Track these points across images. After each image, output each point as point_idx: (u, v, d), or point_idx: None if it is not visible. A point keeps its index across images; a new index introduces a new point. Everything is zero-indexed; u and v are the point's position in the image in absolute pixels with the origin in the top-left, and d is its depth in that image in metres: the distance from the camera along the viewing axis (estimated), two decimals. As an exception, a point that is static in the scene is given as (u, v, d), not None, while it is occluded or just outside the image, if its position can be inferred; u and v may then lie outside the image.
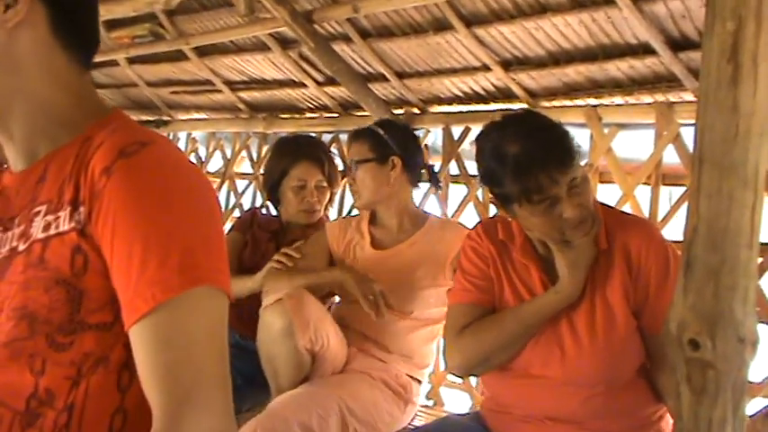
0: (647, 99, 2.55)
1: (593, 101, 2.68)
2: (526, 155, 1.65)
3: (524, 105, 2.88)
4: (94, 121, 1.04)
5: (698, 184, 1.31)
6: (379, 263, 2.51)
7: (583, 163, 1.77)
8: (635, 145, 2.57)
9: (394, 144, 2.52)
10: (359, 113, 3.46)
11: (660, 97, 2.51)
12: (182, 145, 4.40)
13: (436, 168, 3.14)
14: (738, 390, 1.31)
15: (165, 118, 4.41)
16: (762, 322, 2.25)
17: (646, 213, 2.53)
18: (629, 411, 1.74)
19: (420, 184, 2.63)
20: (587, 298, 1.75)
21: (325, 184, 2.83)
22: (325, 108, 3.66)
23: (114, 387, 0.97)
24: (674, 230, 2.16)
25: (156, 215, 0.93)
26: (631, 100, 2.59)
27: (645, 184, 2.54)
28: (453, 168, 3.16)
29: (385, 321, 2.42)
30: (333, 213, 3.15)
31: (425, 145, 3.25)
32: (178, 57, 3.87)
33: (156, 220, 0.93)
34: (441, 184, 2.96)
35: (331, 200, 2.92)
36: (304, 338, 2.29)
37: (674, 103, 2.48)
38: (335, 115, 3.61)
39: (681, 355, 1.33)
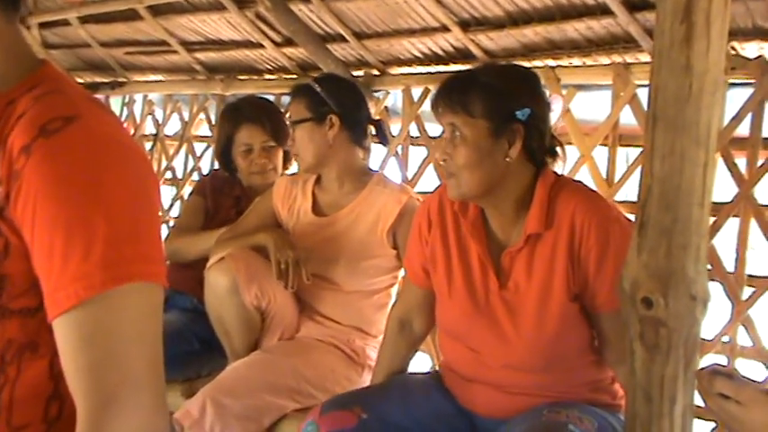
0: (604, 60, 2.55)
1: (551, 62, 2.68)
2: (450, 78, 1.77)
3: (484, 66, 2.87)
4: (21, 79, 0.96)
5: (651, 143, 1.32)
6: (317, 231, 2.42)
7: (498, 134, 1.68)
8: (592, 106, 2.58)
9: (332, 101, 2.37)
10: (318, 75, 3.41)
11: (617, 58, 2.52)
12: (138, 107, 4.31)
13: (395, 130, 3.15)
14: (690, 347, 1.34)
15: (121, 80, 4.30)
16: (714, 280, 2.29)
17: (603, 174, 2.56)
18: (579, 382, 1.76)
19: (370, 144, 2.51)
20: (527, 284, 1.73)
21: (272, 144, 2.74)
22: (283, 69, 3.60)
23: (46, 374, 0.93)
24: (631, 191, 2.18)
25: (79, 202, 0.86)
26: (589, 61, 2.59)
27: (602, 145, 2.56)
28: (414, 130, 3.14)
29: (328, 294, 2.40)
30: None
31: (385, 107, 3.24)
32: (132, 16, 3.76)
33: (80, 207, 0.86)
34: (389, 142, 2.82)
35: (288, 158, 2.84)
36: (250, 295, 2.28)
37: (630, 64, 2.49)
38: (294, 77, 3.54)
39: (634, 314, 1.36)
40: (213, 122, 3.89)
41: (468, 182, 1.70)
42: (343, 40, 3.13)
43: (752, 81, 2.24)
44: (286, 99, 3.50)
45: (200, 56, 3.82)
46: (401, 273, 2.40)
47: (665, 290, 1.31)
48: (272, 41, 3.40)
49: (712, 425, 2.29)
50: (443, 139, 1.73)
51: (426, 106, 3.07)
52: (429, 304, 1.93)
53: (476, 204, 1.79)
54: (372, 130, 2.51)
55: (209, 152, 3.87)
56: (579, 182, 1.88)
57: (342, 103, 2.39)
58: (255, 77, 3.74)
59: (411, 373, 2.06)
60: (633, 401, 1.39)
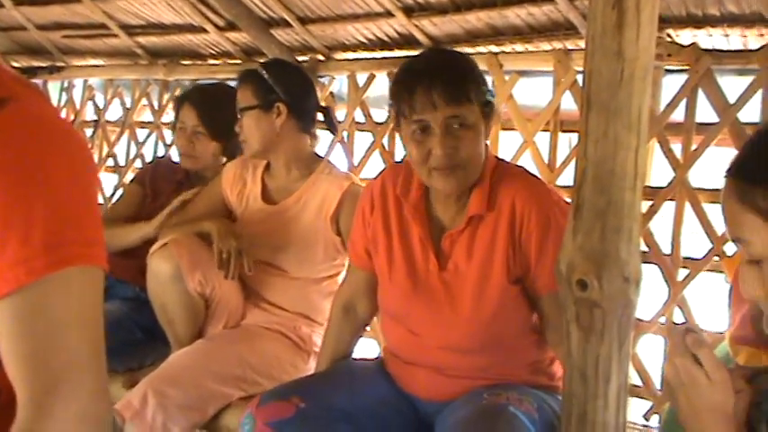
0: (545, 46, 2.59)
1: (494, 48, 2.70)
2: (417, 68, 1.70)
3: (428, 52, 2.87)
4: None
5: (586, 128, 1.34)
6: (266, 218, 2.43)
7: (485, 115, 1.72)
8: (535, 92, 2.61)
9: (279, 89, 2.36)
10: (263, 60, 3.36)
11: (558, 45, 2.55)
12: (77, 93, 4.21)
13: (340, 116, 3.13)
14: (624, 327, 1.36)
15: (59, 64, 4.19)
16: (650, 263, 2.35)
17: (545, 159, 2.59)
18: (518, 364, 1.79)
19: (318, 131, 2.52)
20: (467, 266, 1.74)
21: (200, 131, 2.69)
22: (228, 54, 3.55)
23: None
24: (572, 176, 2.20)
25: (17, 186, 0.84)
26: (531, 47, 2.62)
27: (544, 130, 2.59)
28: (359, 116, 3.13)
29: (275, 281, 2.40)
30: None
31: (331, 93, 3.22)
32: (69, -2, 3.67)
33: (17, 190, 0.84)
34: (336, 129, 2.80)
35: (228, 153, 2.77)
36: (193, 281, 2.26)
37: (571, 50, 2.52)
38: (239, 62, 3.51)
39: (570, 296, 1.38)
40: (156, 108, 3.82)
41: (474, 170, 1.72)
42: (288, 24, 3.10)
43: (686, 68, 2.29)
44: (231, 84, 3.51)
45: (142, 40, 3.74)
46: (346, 261, 2.37)
47: (599, 272, 1.33)
48: (215, 25, 3.35)
49: (648, 404, 2.35)
50: (437, 135, 1.65)
51: (371, 92, 3.08)
52: (372, 288, 1.94)
53: (418, 187, 1.79)
54: (320, 117, 2.51)
55: (153, 138, 3.81)
56: (520, 167, 1.91)
57: (290, 90, 2.38)
58: (199, 62, 3.69)
59: (354, 359, 2.06)
60: (570, 382, 1.42)
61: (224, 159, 2.79)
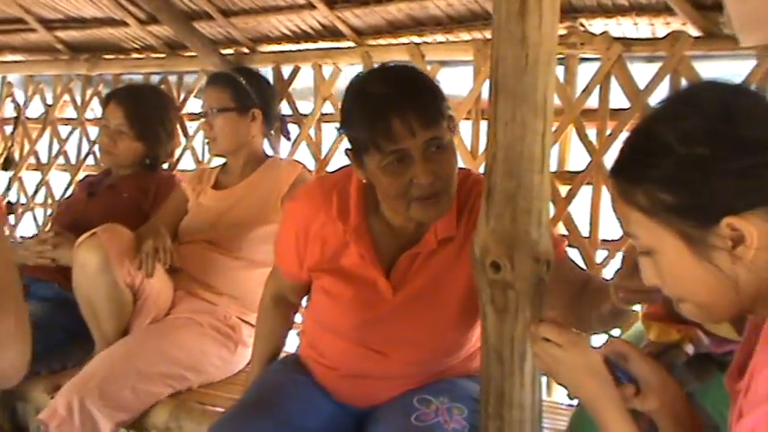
0: (465, 36, 2.62)
1: (416, 39, 2.72)
2: (383, 94, 1.52)
3: (351, 44, 2.89)
4: None
5: (495, 112, 1.37)
6: (214, 203, 2.55)
7: (451, 130, 1.60)
8: (456, 81, 2.64)
9: (255, 95, 2.54)
10: (187, 54, 3.33)
11: (477, 34, 2.59)
12: (-4, 90, 4.08)
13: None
14: (536, 307, 1.40)
15: (-25, 60, 4.06)
16: (570, 246, 2.41)
17: (468, 147, 2.63)
18: (458, 360, 1.77)
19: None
20: (427, 287, 1.67)
21: (124, 130, 2.73)
22: (151, 48, 3.49)
23: None
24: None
25: None
26: (451, 38, 2.66)
27: (466, 119, 2.63)
28: (285, 108, 3.12)
29: (216, 259, 2.46)
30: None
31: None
32: (-18, -8, 3.55)
33: None
34: (290, 135, 2.97)
35: (152, 155, 2.81)
36: (122, 271, 2.23)
37: (489, 39, 2.54)
38: (162, 56, 3.46)
39: (484, 278, 1.41)
40: (79, 104, 3.74)
41: (454, 191, 1.59)
42: (210, 17, 3.07)
43: (599, 56, 2.36)
44: (155, 78, 3.46)
45: (62, 34, 3.65)
46: None
47: (510, 253, 1.37)
48: (137, 19, 3.29)
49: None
50: (418, 163, 1.52)
51: (297, 84, 3.08)
52: (304, 288, 1.88)
53: (358, 210, 1.68)
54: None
55: (76, 135, 3.72)
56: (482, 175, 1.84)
57: (264, 97, 2.60)
58: (122, 57, 3.61)
59: (276, 374, 1.89)
60: (487, 363, 1.45)
61: (148, 161, 2.79)
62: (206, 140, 2.64)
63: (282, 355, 2.05)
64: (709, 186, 0.95)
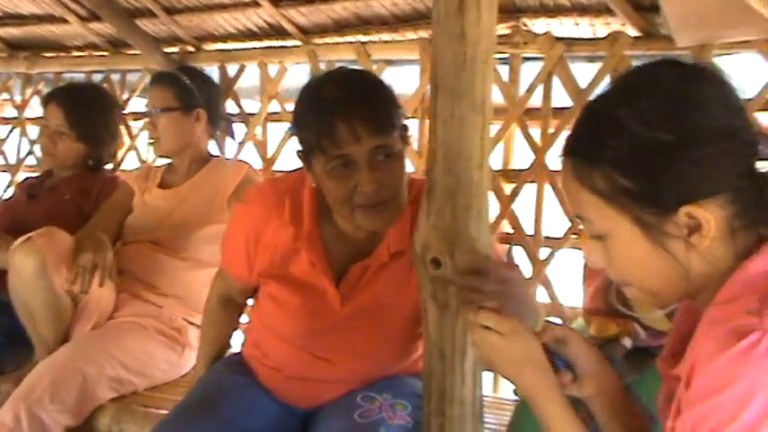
0: (410, 35, 2.63)
1: (362, 38, 2.72)
2: (333, 98, 1.48)
3: (297, 42, 2.87)
4: None
5: (435, 110, 1.37)
6: (159, 202, 2.51)
7: (404, 140, 1.57)
8: (402, 80, 2.64)
9: (199, 94, 2.49)
10: (130, 52, 3.28)
11: (423, 33, 2.60)
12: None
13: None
14: (477, 302, 1.41)
15: None
16: (515, 244, 2.44)
17: (415, 146, 2.63)
18: (404, 362, 1.76)
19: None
20: (377, 298, 1.64)
21: (64, 131, 2.67)
22: (93, 46, 3.43)
23: None
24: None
25: None
26: (397, 36, 2.66)
27: (412, 117, 2.63)
28: (231, 107, 3.09)
29: (161, 260, 2.42)
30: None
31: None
32: None
33: None
34: (235, 136, 2.96)
35: (95, 156, 2.76)
36: (60, 277, 2.17)
37: (434, 38, 2.57)
38: (105, 54, 3.39)
39: (426, 275, 1.41)
40: (18, 103, 3.64)
41: (402, 202, 1.56)
42: (153, 15, 3.02)
43: (541, 55, 2.39)
44: (97, 77, 3.40)
45: (0, 31, 3.56)
46: None
47: (451, 250, 1.37)
48: (77, 16, 3.22)
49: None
50: (363, 170, 1.48)
51: (242, 83, 3.05)
52: (252, 290, 1.84)
53: (311, 217, 1.64)
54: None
55: (15, 135, 3.63)
56: None
57: (209, 97, 2.55)
58: (63, 54, 3.54)
59: (218, 375, 1.84)
60: (429, 360, 1.45)
61: (90, 162, 2.74)
62: (149, 141, 2.59)
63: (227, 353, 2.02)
64: (669, 173, 0.92)
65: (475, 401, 1.45)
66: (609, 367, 1.17)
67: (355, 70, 1.67)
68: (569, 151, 1.01)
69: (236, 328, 2.03)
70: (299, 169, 1.70)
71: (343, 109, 1.47)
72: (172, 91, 2.47)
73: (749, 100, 2.09)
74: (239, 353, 1.90)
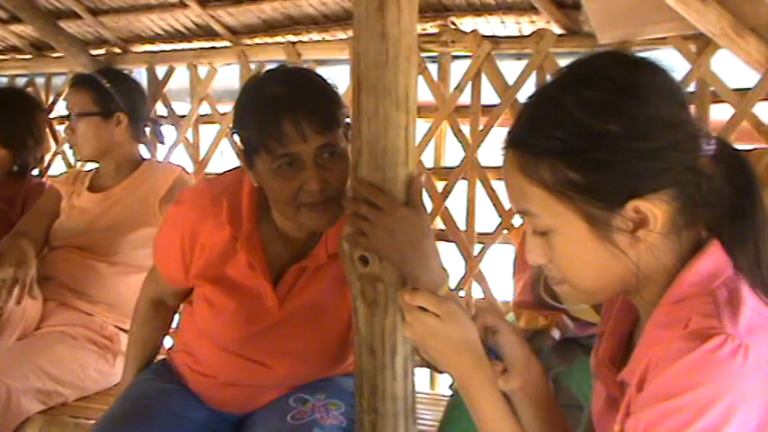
0: (341, 35, 2.63)
1: (292, 38, 2.71)
2: (277, 95, 1.46)
3: (227, 43, 2.84)
4: None
5: (358, 107, 1.37)
6: (89, 206, 2.46)
7: (347, 137, 1.53)
8: (333, 80, 2.64)
9: (120, 98, 2.42)
10: (55, 55, 3.20)
11: (352, 33, 2.59)
12: None
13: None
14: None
15: None
16: (448, 240, 2.46)
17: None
18: (340, 364, 1.75)
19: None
20: (314, 301, 1.63)
21: None
22: (16, 49, 3.34)
23: None
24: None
25: None
26: (327, 36, 2.66)
27: (344, 117, 2.64)
28: (161, 109, 3.05)
29: (93, 266, 2.37)
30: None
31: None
32: None
33: None
34: (164, 139, 2.86)
35: (20, 162, 2.69)
36: None
37: (364, 38, 2.57)
38: (29, 57, 3.31)
39: (354, 272, 1.41)
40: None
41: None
42: (78, 16, 2.96)
43: (470, 53, 2.42)
44: (21, 81, 3.31)
45: None
46: None
47: (379, 247, 1.38)
48: (-3, 18, 3.14)
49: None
50: (309, 169, 1.46)
51: (172, 84, 3.01)
52: (186, 292, 1.80)
53: (250, 217, 1.61)
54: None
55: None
56: None
57: (130, 100, 2.47)
58: (-16, 58, 3.43)
59: (146, 383, 1.78)
60: (360, 358, 1.45)
61: (15, 168, 2.67)
62: (69, 145, 2.52)
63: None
64: (617, 165, 0.89)
65: (407, 397, 1.45)
66: (536, 362, 1.14)
67: (297, 68, 1.66)
68: (513, 143, 0.97)
69: (166, 333, 1.97)
70: (233, 170, 1.68)
71: (288, 107, 1.44)
72: (90, 95, 2.41)
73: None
74: (167, 359, 1.85)
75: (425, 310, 1.11)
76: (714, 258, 0.91)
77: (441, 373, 1.97)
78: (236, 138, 1.56)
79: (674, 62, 2.16)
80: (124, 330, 2.37)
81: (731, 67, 2.13)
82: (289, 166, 1.47)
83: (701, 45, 2.12)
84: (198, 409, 1.71)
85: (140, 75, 3.10)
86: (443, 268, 1.37)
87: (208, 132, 2.97)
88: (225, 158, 3.06)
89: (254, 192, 1.61)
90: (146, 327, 1.90)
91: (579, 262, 0.95)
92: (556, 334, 1.68)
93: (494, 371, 1.08)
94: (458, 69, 2.48)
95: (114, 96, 2.42)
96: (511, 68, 2.38)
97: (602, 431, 1.01)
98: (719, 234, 0.93)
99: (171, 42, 3.01)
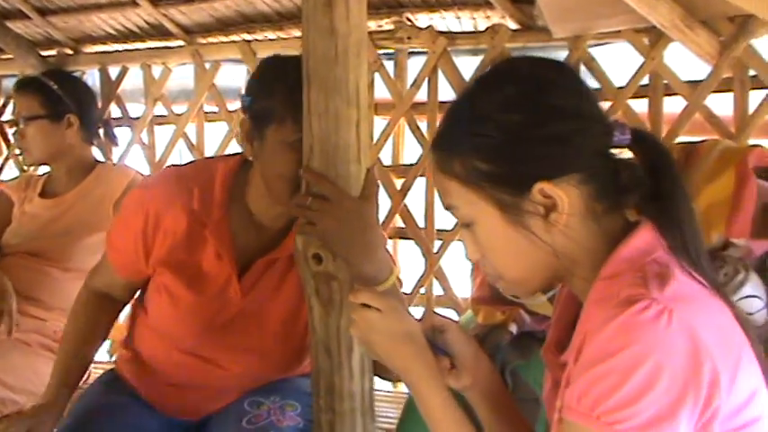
0: (295, 32, 2.60)
1: (247, 36, 2.68)
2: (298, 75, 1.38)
3: (181, 43, 2.80)
4: None
5: (308, 104, 1.35)
6: (42, 212, 2.42)
7: None
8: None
9: (69, 100, 2.38)
10: (3, 57, 3.12)
11: (302, 29, 2.58)
12: None
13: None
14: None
15: None
16: (407, 238, 2.45)
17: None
18: (297, 365, 1.73)
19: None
20: (278, 294, 1.61)
21: None
22: (-38, 51, 3.25)
23: None
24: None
25: None
26: (282, 34, 2.64)
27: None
28: (115, 111, 3.00)
29: (48, 271, 2.34)
30: None
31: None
32: None
33: None
34: (117, 141, 2.82)
35: None
36: None
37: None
38: (-25, 59, 3.23)
39: (308, 271, 1.39)
40: None
41: None
42: (26, 16, 2.89)
43: (426, 50, 2.41)
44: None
45: None
46: None
47: (332, 245, 1.37)
48: (-59, 19, 3.05)
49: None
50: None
51: (125, 85, 2.96)
52: (137, 285, 1.73)
53: (221, 205, 1.57)
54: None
55: None
56: None
57: (80, 102, 2.43)
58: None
59: (95, 396, 1.71)
60: (316, 357, 1.44)
61: None
62: (17, 150, 2.46)
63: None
64: (520, 152, 0.95)
65: (364, 395, 1.44)
66: (486, 359, 1.18)
67: None
68: (432, 146, 1.04)
69: (106, 336, 1.81)
70: (203, 160, 1.66)
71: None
72: (37, 98, 2.37)
73: (621, 88, 2.18)
74: (116, 370, 1.76)
75: (369, 306, 1.13)
76: (645, 238, 0.95)
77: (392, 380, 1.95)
78: (246, 106, 1.52)
79: (627, 55, 2.18)
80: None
81: (684, 60, 2.15)
82: (299, 142, 1.40)
83: (654, 38, 2.13)
84: (151, 419, 1.66)
85: (93, 76, 3.06)
86: (391, 261, 1.38)
87: (163, 133, 2.93)
88: (183, 159, 3.02)
89: (227, 179, 1.59)
90: (86, 320, 1.74)
91: (502, 251, 1.00)
92: (513, 328, 1.68)
93: (440, 366, 1.11)
94: (414, 66, 2.47)
95: (63, 98, 2.38)
96: (467, 64, 2.38)
97: (550, 415, 1.03)
98: (652, 218, 0.97)
99: (123, 42, 2.95)
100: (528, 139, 0.95)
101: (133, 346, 1.73)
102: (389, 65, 2.50)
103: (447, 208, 1.04)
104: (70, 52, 3.03)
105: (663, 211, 0.96)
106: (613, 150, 0.98)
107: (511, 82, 0.98)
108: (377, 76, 2.46)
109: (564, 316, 1.10)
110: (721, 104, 2.11)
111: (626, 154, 0.99)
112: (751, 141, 2.02)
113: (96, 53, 3.01)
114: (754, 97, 2.07)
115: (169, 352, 1.65)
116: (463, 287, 2.36)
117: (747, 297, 1.42)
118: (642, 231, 0.96)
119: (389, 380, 1.30)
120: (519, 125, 0.95)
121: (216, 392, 1.66)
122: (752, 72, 2.06)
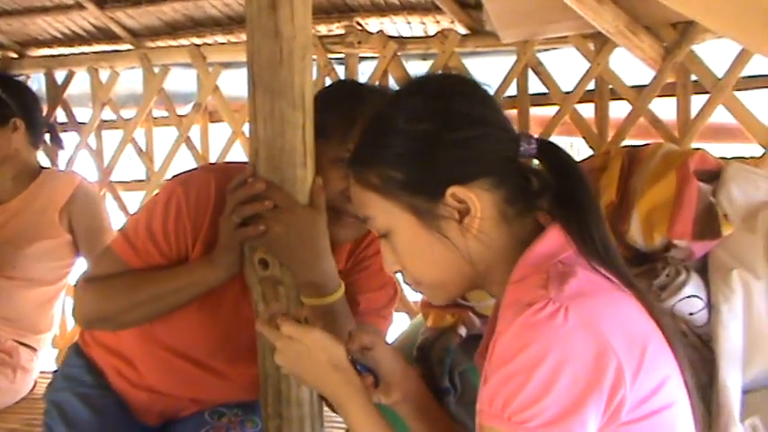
0: (245, 37, 2.58)
1: (196, 40, 2.65)
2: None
3: (129, 46, 2.76)
4: None
5: (254, 108, 1.34)
6: None
7: None
8: (239, 83, 2.59)
9: (14, 104, 2.36)
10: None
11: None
12: None
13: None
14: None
15: None
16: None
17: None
18: None
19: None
20: None
21: None
22: None
23: None
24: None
25: None
26: (232, 38, 2.62)
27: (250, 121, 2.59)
28: (61, 116, 2.95)
29: None
30: None
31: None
32: None
33: None
34: (63, 146, 2.76)
35: None
36: None
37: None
38: None
39: (254, 276, 1.38)
40: None
41: None
42: (-33, 19, 2.82)
43: (376, 54, 2.41)
44: None
45: None
46: (74, 263, 2.43)
47: (278, 249, 1.35)
48: None
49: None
50: None
51: (72, 89, 2.91)
52: None
53: None
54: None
55: None
56: None
57: (24, 105, 2.41)
58: None
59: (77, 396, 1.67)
60: (263, 362, 1.42)
61: None
62: None
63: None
64: (431, 158, 0.99)
65: (313, 401, 1.43)
66: (413, 372, 1.22)
67: None
68: (350, 162, 1.08)
69: None
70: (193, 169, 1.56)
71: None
72: None
73: (568, 93, 2.21)
74: (81, 348, 1.69)
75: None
76: (551, 241, 0.98)
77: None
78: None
79: (574, 60, 2.21)
80: (23, 344, 2.32)
81: (628, 65, 2.18)
82: (342, 162, 1.30)
83: (600, 43, 2.17)
84: (114, 419, 1.62)
85: (38, 80, 3.01)
86: (336, 275, 1.36)
87: (111, 138, 2.88)
88: (133, 164, 2.97)
89: None
90: (134, 277, 1.46)
91: (420, 257, 1.03)
92: (462, 331, 1.69)
93: (364, 383, 1.13)
94: (365, 70, 2.47)
95: (7, 102, 2.35)
96: (417, 68, 2.39)
97: None
98: (560, 220, 1.00)
99: (70, 46, 2.90)
100: (437, 145, 0.98)
101: (117, 341, 1.63)
102: (340, 69, 2.50)
103: (365, 219, 1.07)
104: (15, 56, 2.97)
105: (570, 214, 0.99)
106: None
107: (419, 95, 1.04)
108: (327, 80, 2.45)
109: (493, 321, 1.12)
110: (665, 109, 2.15)
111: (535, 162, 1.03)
112: (694, 145, 2.06)
113: (42, 57, 2.96)
114: (696, 102, 2.11)
115: (171, 360, 1.57)
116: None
117: (689, 297, 1.45)
118: (549, 235, 0.99)
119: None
120: (427, 133, 0.99)
121: (193, 403, 1.64)
122: (693, 77, 2.11)
